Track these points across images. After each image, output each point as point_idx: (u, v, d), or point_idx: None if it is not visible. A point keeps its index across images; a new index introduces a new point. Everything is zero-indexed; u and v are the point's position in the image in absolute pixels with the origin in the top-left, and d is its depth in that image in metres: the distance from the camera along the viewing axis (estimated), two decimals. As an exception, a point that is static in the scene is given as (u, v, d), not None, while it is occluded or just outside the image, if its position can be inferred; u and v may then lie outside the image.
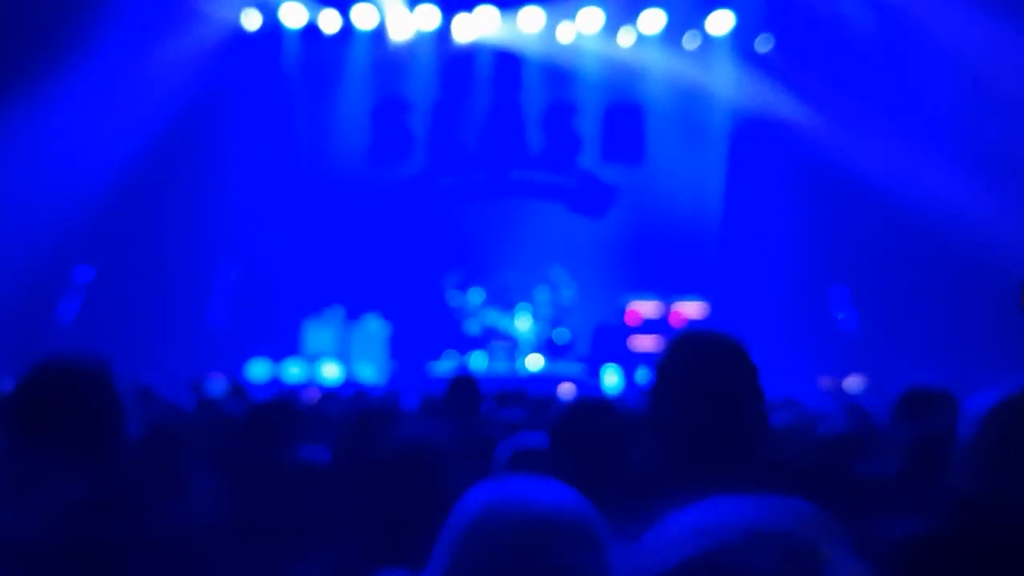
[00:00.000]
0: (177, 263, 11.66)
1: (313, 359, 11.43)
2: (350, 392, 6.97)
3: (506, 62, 13.05)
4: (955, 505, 1.62)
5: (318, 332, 11.72)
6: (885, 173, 11.65)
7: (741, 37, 12.69)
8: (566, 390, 7.02)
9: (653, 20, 12.55)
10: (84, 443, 1.60)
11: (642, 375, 10.71)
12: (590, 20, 12.57)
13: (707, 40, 12.82)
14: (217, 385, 7.76)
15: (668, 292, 12.02)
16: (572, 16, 12.56)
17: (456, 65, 13.06)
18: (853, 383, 10.72)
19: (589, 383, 9.94)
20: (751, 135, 12.82)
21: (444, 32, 12.81)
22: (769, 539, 0.73)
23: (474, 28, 12.72)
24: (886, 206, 11.77)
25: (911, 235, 11.81)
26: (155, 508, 1.92)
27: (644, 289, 12.08)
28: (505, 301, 11.92)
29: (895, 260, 12.05)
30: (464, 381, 4.31)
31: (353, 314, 11.89)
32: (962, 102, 11.09)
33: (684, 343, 1.56)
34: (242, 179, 12.57)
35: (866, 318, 11.53)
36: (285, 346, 11.66)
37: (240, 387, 6.96)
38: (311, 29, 12.78)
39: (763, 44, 12.71)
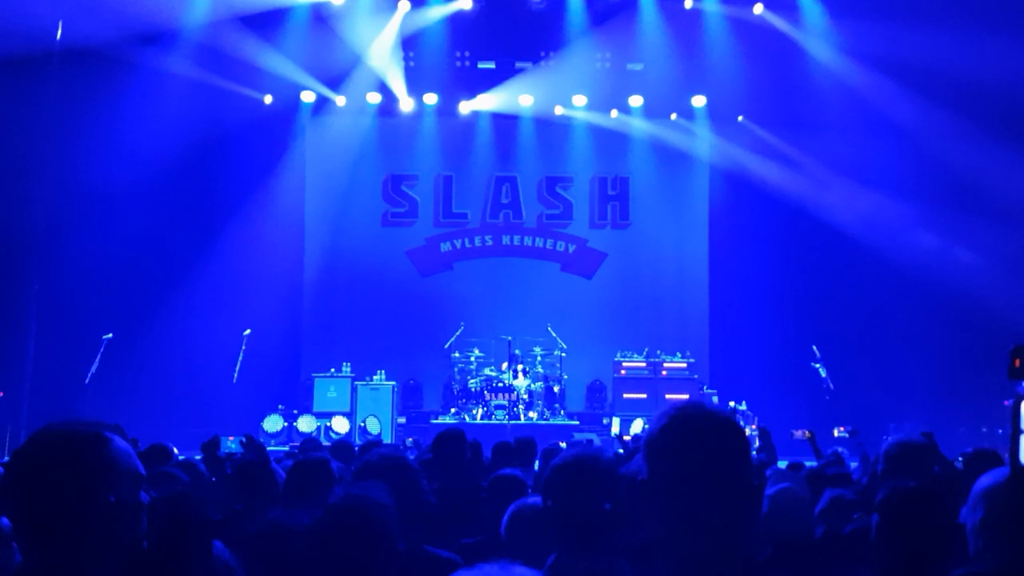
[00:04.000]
0: (196, 325, 12.36)
1: (323, 415, 12.13)
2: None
3: (503, 135, 14.03)
4: None
5: (328, 389, 12.45)
6: (862, 229, 12.57)
7: (716, 113, 13.69)
8: (561, 445, 7.41)
9: (636, 102, 13.61)
10: (68, 514, 1.59)
11: (635, 427, 11.40)
12: (580, 102, 13.63)
13: (686, 114, 13.84)
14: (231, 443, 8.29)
15: (656, 349, 12.82)
16: (565, 99, 13.62)
17: (457, 135, 14.02)
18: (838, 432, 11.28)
19: (581, 438, 10.60)
20: (731, 198, 13.73)
21: (445, 107, 13.80)
22: None
23: (474, 104, 13.75)
24: (864, 261, 12.67)
25: (891, 289, 12.66)
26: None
27: (633, 346, 12.89)
28: (503, 359, 12.67)
29: (875, 315, 12.85)
30: (451, 436, 4.52)
31: (360, 372, 12.63)
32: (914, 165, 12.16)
33: (678, 420, 1.53)
34: (254, 241, 13.32)
35: (846, 373, 12.16)
36: (298, 402, 12.40)
37: (254, 442, 7.37)
38: (322, 102, 13.70)
39: (738, 117, 13.73)
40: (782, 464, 5.69)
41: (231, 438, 10.84)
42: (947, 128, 11.51)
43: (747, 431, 10.11)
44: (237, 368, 11.76)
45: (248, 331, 11.95)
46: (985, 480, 2.04)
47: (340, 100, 13.68)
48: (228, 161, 13.14)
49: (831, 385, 11.81)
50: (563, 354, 12.79)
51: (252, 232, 13.32)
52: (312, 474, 3.62)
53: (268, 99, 13.49)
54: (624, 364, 12.69)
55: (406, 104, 13.70)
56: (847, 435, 9.66)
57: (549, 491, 2.22)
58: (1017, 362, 1.47)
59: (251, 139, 13.30)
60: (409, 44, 13.06)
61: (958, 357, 11.78)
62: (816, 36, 12.34)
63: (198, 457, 5.32)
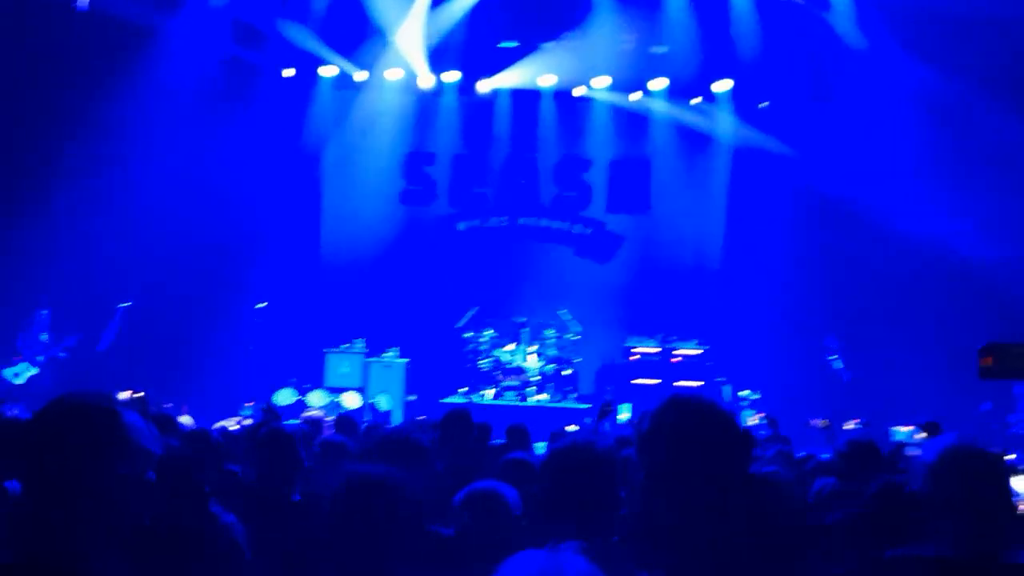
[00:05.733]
0: (212, 297, 12.42)
1: (335, 390, 12.18)
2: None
3: (522, 115, 13.93)
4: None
5: (340, 365, 12.49)
6: (884, 217, 12.39)
7: (740, 96, 13.52)
8: (569, 429, 7.40)
9: (658, 84, 13.46)
10: (84, 476, 1.64)
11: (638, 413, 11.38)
12: (601, 83, 13.50)
13: (709, 98, 13.68)
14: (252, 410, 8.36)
15: (669, 335, 12.75)
16: (587, 80, 13.49)
17: (476, 115, 13.95)
18: (848, 427, 11.24)
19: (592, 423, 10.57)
20: (750, 186, 13.59)
21: (466, 85, 13.73)
22: None
23: (494, 82, 13.65)
24: (886, 248, 12.49)
25: (914, 279, 12.47)
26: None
27: (646, 331, 12.82)
28: (515, 340, 12.65)
29: (897, 305, 12.67)
30: (458, 416, 4.59)
31: (374, 348, 12.66)
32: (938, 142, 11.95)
33: (672, 408, 1.55)
34: (273, 215, 13.38)
35: (860, 363, 12.06)
36: (310, 377, 12.45)
37: (273, 410, 7.43)
38: (343, 77, 13.67)
39: (761, 102, 13.55)
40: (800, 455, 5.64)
41: (249, 404, 11.01)
42: (978, 106, 11.27)
43: (756, 419, 10.10)
44: (252, 341, 11.81)
45: (264, 304, 11.99)
46: (929, 454, 2.07)
47: (361, 75, 13.63)
48: (248, 133, 13.14)
49: (846, 377, 11.70)
50: (577, 337, 12.75)
51: (271, 205, 13.37)
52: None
53: (289, 72, 13.47)
54: (636, 349, 12.62)
55: (427, 81, 13.62)
56: (860, 427, 9.63)
57: (547, 476, 2.23)
58: (988, 360, 1.48)
59: (270, 112, 13.32)
60: (432, 21, 12.97)
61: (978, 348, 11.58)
62: (843, 18, 12.12)
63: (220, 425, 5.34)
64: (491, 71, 13.49)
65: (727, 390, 12.21)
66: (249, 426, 5.78)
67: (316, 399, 11.95)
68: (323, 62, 13.46)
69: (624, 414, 11.77)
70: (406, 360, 12.63)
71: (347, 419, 6.05)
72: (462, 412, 4.68)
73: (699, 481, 1.48)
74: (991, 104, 11.18)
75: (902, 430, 8.50)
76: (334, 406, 11.73)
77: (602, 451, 2.24)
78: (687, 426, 1.51)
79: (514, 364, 12.48)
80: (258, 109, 13.25)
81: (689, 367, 12.43)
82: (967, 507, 1.94)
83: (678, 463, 1.49)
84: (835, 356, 11.80)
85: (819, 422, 6.50)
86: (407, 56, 13.23)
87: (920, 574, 1.95)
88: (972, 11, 10.51)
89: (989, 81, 11.15)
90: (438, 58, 13.34)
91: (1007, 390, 11.08)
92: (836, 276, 12.89)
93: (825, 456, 5.45)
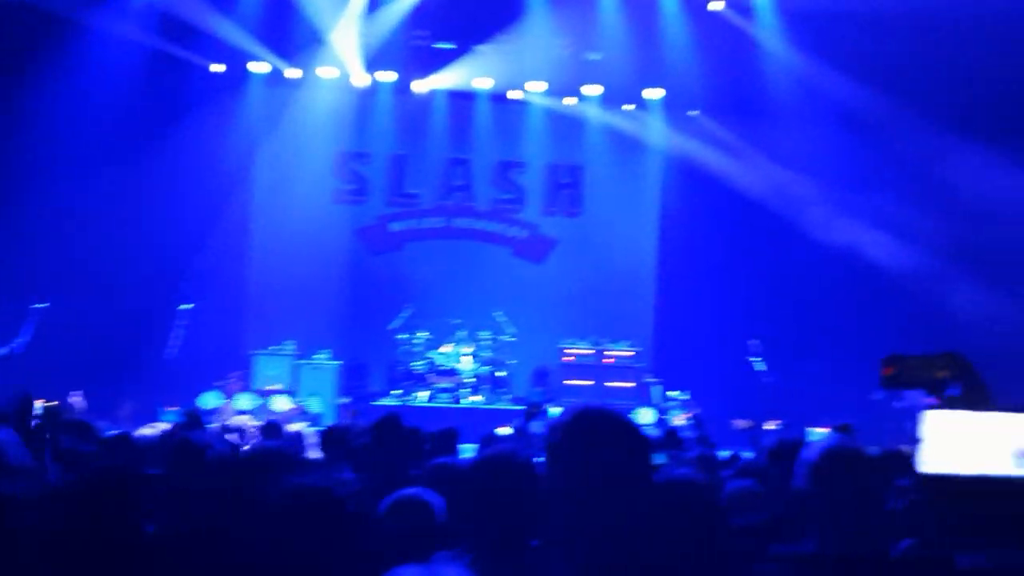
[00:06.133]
0: (135, 297, 12.06)
1: (263, 393, 11.95)
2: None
3: (458, 116, 13.92)
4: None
5: (269, 367, 12.27)
6: (806, 225, 12.78)
7: (671, 104, 13.78)
8: (502, 432, 7.41)
9: (593, 90, 13.62)
10: None
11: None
12: (536, 87, 13.59)
13: (642, 105, 13.90)
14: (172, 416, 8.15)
15: (601, 336, 12.90)
16: (523, 84, 13.57)
17: (412, 115, 13.87)
18: (769, 427, 11.54)
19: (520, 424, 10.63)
20: (683, 190, 13.85)
21: (402, 85, 13.64)
22: None
23: (430, 83, 13.61)
24: (812, 255, 12.86)
25: (837, 285, 12.87)
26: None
27: (579, 333, 12.95)
28: (450, 341, 12.62)
29: (815, 312, 13.07)
30: (389, 423, 4.48)
31: (305, 350, 12.47)
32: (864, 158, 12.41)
33: (579, 420, 1.58)
34: (201, 214, 13.06)
35: (782, 366, 12.38)
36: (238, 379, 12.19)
37: (196, 416, 7.24)
38: (276, 75, 13.44)
39: (692, 111, 13.83)
40: (725, 454, 5.77)
41: (171, 408, 10.72)
42: (898, 121, 11.75)
43: (683, 419, 10.29)
44: (175, 343, 11.51)
45: (190, 305, 11.71)
46: (810, 453, 2.12)
47: (293, 73, 13.43)
48: (174, 130, 12.81)
49: (768, 379, 12.02)
50: (512, 339, 12.79)
51: (197, 204, 13.03)
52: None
53: (217, 68, 13.19)
54: (569, 351, 12.73)
55: (361, 80, 13.50)
56: (780, 428, 9.91)
57: (470, 485, 2.23)
58: (888, 371, 1.54)
59: (199, 109, 13.00)
60: (368, 20, 12.86)
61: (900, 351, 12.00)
62: (770, 32, 12.46)
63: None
64: (427, 72, 13.45)
65: (657, 390, 12.42)
66: (164, 432, 5.60)
67: (243, 403, 11.72)
68: (254, 58, 13.22)
69: (555, 413, 11.85)
70: (338, 362, 12.48)
71: (274, 425, 5.93)
72: (393, 418, 4.59)
73: (603, 490, 1.50)
74: (906, 117, 11.65)
75: (818, 431, 8.79)
76: (262, 410, 11.52)
77: (524, 460, 2.26)
78: (593, 438, 1.54)
79: (448, 366, 12.46)
80: (186, 106, 12.92)
81: (621, 368, 12.60)
82: (842, 505, 2.00)
83: (584, 473, 1.51)
84: (758, 358, 12.10)
85: (742, 423, 6.68)
86: (342, 55, 13.09)
87: (797, 571, 2.00)
88: (891, 27, 10.92)
89: (905, 95, 11.61)
90: (373, 57, 13.23)
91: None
92: (762, 281, 13.24)
93: (748, 456, 5.59)
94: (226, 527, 2.74)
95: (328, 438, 4.99)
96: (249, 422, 7.07)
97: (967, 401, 1.46)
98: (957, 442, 1.29)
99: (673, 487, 1.89)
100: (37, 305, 11.01)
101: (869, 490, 1.93)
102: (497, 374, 12.72)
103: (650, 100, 13.86)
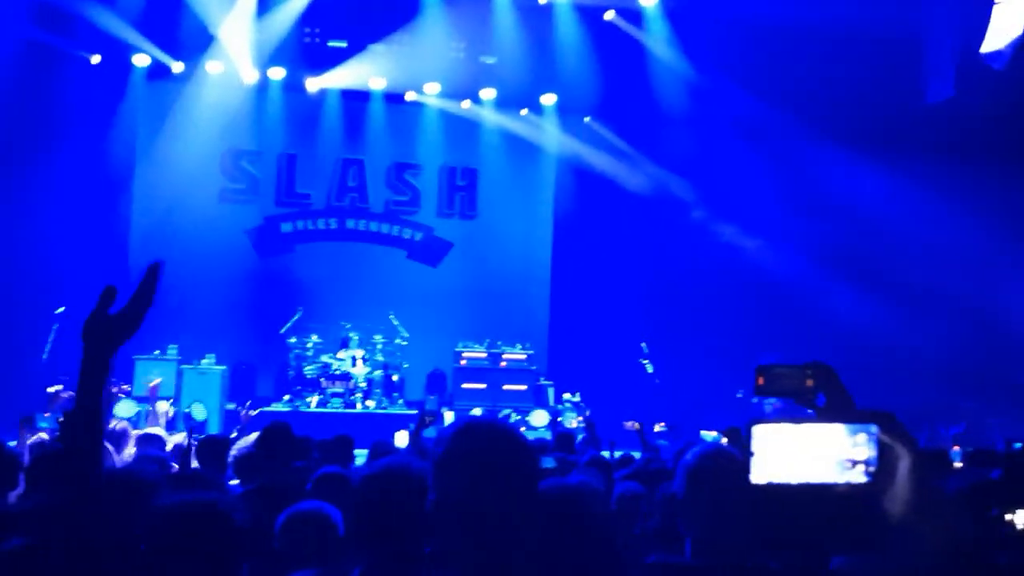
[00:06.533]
0: (6, 301, 11.38)
1: (145, 399, 11.40)
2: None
3: (352, 116, 13.69)
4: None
5: (151, 372, 11.71)
6: (700, 228, 13.23)
7: (565, 109, 13.97)
8: (399, 439, 7.29)
9: (488, 93, 13.66)
10: None
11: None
12: (431, 89, 13.53)
13: (536, 109, 14.04)
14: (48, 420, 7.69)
15: (496, 340, 12.93)
16: (417, 85, 13.47)
17: (304, 113, 13.56)
18: (657, 429, 11.83)
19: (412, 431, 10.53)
20: (576, 194, 14.06)
21: (293, 82, 13.32)
22: None
23: (323, 81, 13.33)
24: (701, 259, 13.30)
25: (722, 288, 13.31)
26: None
27: (475, 336, 12.94)
28: (342, 345, 12.38)
29: (704, 317, 13.49)
30: (278, 431, 4.41)
31: (188, 355, 11.99)
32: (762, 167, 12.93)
33: (465, 434, 1.58)
34: (79, 212, 12.42)
35: (673, 369, 12.73)
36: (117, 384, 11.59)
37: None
38: (159, 68, 12.88)
39: (586, 117, 14.08)
40: (618, 454, 5.84)
41: (46, 415, 10.09)
42: (781, 127, 12.30)
43: (575, 422, 10.43)
44: (48, 347, 10.88)
45: (62, 308, 11.08)
46: (689, 457, 2.11)
47: (177, 66, 12.91)
48: (49, 125, 12.14)
49: (658, 380, 12.34)
50: (404, 343, 12.66)
51: (74, 202, 12.38)
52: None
53: (96, 59, 12.55)
54: (465, 354, 12.72)
55: (250, 76, 13.10)
56: (666, 430, 10.18)
57: (360, 501, 2.17)
58: (761, 380, 1.57)
59: (75, 102, 12.35)
60: (257, 14, 12.49)
61: (782, 358, 12.51)
62: (659, 40, 12.81)
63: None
64: (320, 70, 13.17)
65: (550, 392, 12.55)
66: (38, 442, 5.28)
67: (123, 409, 11.15)
68: (138, 51, 12.64)
69: (450, 417, 11.81)
70: (223, 367, 12.05)
71: (153, 435, 5.66)
72: (282, 427, 4.49)
73: (489, 504, 1.50)
74: (788, 123, 12.22)
75: (709, 435, 9.08)
76: (143, 417, 11.00)
77: (416, 472, 2.20)
78: (477, 452, 1.54)
79: (341, 370, 12.22)
80: (62, 98, 12.25)
81: (515, 371, 12.67)
82: (715, 512, 1.97)
83: (470, 488, 1.51)
84: (646, 361, 12.40)
85: (631, 424, 6.84)
86: (230, 49, 12.67)
87: None
88: (783, 39, 11.43)
89: (788, 102, 12.17)
90: (263, 53, 12.85)
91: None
92: (652, 284, 13.59)
93: (637, 457, 5.69)
94: (100, 548, 2.60)
95: (210, 448, 4.81)
96: (129, 430, 6.72)
97: (830, 411, 1.51)
98: (785, 453, 1.34)
99: (562, 497, 1.89)
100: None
101: (743, 498, 1.95)
102: (392, 378, 12.57)
103: (544, 106, 14.01)
